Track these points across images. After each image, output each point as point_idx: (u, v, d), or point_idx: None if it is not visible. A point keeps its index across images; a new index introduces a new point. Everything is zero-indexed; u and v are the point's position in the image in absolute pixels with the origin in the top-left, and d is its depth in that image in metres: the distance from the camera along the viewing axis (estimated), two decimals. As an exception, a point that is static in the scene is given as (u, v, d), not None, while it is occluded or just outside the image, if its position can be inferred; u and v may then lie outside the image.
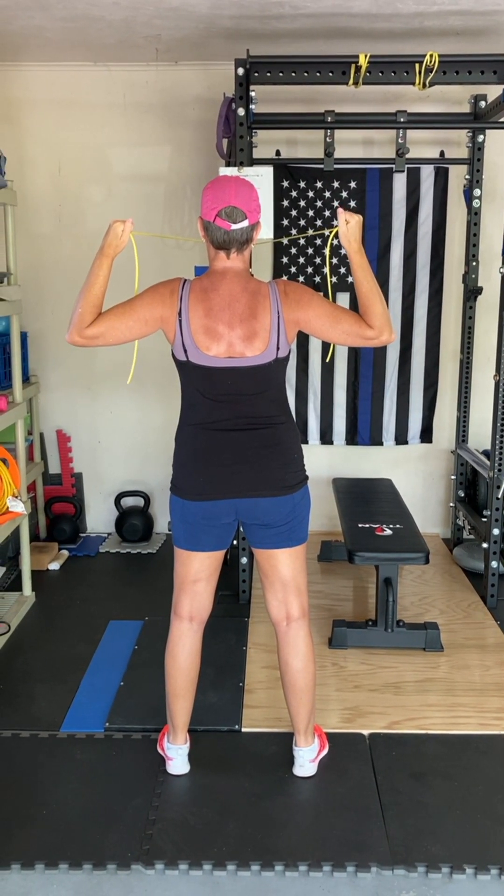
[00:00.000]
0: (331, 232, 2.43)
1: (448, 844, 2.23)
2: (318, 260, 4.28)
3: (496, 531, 3.65)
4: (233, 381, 2.26)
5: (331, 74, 3.42)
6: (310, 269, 4.29)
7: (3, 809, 2.38)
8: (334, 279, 4.27)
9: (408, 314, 4.37)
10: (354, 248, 2.31)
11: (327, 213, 4.23)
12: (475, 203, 4.01)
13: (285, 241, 4.23)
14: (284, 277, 4.29)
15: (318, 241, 4.26)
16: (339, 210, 2.35)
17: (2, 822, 2.32)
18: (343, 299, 4.31)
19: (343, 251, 2.43)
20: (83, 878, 2.14)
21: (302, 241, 4.26)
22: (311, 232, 4.21)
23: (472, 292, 4.13)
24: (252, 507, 2.34)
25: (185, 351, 2.25)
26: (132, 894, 2.10)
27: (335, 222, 4.24)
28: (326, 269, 3.02)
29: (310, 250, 4.28)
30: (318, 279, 4.29)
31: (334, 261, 4.21)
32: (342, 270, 4.24)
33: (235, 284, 2.26)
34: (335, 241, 2.41)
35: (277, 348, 2.26)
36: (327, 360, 4.32)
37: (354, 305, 4.36)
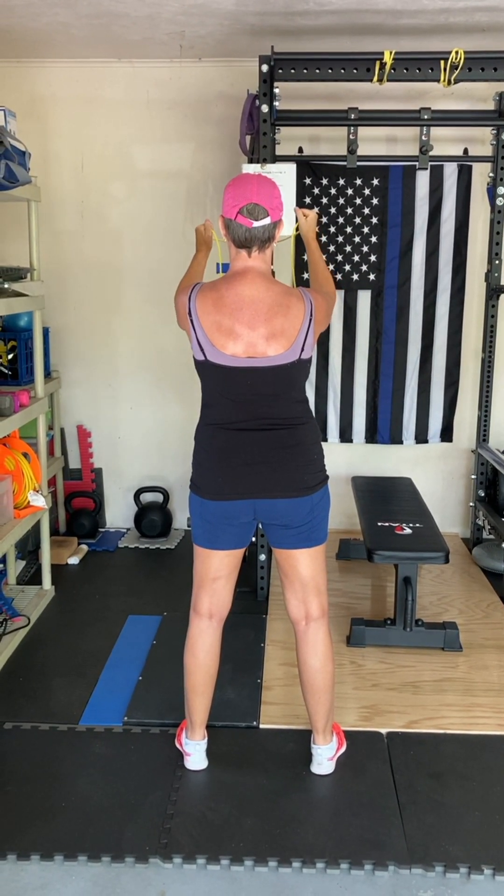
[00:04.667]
0: (294, 232, 2.87)
1: (466, 844, 2.23)
2: (339, 257, 4.27)
3: (516, 531, 3.62)
4: (252, 382, 2.25)
5: (355, 71, 3.42)
6: (331, 266, 4.28)
7: (23, 801, 2.40)
8: (356, 277, 4.27)
9: (429, 312, 4.35)
10: (312, 237, 2.72)
11: (349, 211, 4.22)
12: (499, 201, 3.98)
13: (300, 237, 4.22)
14: (305, 275, 4.28)
15: (340, 238, 4.25)
16: (296, 208, 2.79)
17: (22, 814, 2.35)
18: (364, 297, 4.31)
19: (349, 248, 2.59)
20: (102, 871, 2.16)
21: (323, 238, 4.24)
22: (332, 231, 4.19)
23: (494, 291, 4.10)
24: (271, 508, 2.34)
25: (203, 350, 2.25)
26: (150, 887, 2.11)
27: (354, 220, 4.23)
28: (291, 255, 3.19)
29: (331, 247, 4.27)
30: (339, 276, 4.28)
31: (339, 257, 4.23)
32: (363, 268, 4.23)
33: (259, 284, 2.25)
34: (297, 233, 2.85)
35: (302, 349, 2.25)
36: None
37: (373, 303, 4.37)
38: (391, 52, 3.34)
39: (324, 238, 4.25)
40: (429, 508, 3.80)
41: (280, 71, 3.43)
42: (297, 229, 2.80)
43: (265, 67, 3.42)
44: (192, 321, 2.25)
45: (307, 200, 4.20)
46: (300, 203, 4.13)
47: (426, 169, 3.81)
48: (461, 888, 2.11)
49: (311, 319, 2.26)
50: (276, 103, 3.47)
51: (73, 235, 4.43)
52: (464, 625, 3.46)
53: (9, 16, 3.48)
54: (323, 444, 2.48)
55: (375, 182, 4.20)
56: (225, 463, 2.32)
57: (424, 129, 3.67)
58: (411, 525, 3.48)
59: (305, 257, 4.26)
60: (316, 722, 2.51)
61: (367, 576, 4.04)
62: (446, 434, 4.51)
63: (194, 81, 4.22)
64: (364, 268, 4.27)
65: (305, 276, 4.28)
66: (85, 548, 4.42)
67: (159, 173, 4.35)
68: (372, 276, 4.30)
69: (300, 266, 4.31)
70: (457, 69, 3.35)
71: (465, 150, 4.04)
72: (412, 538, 3.35)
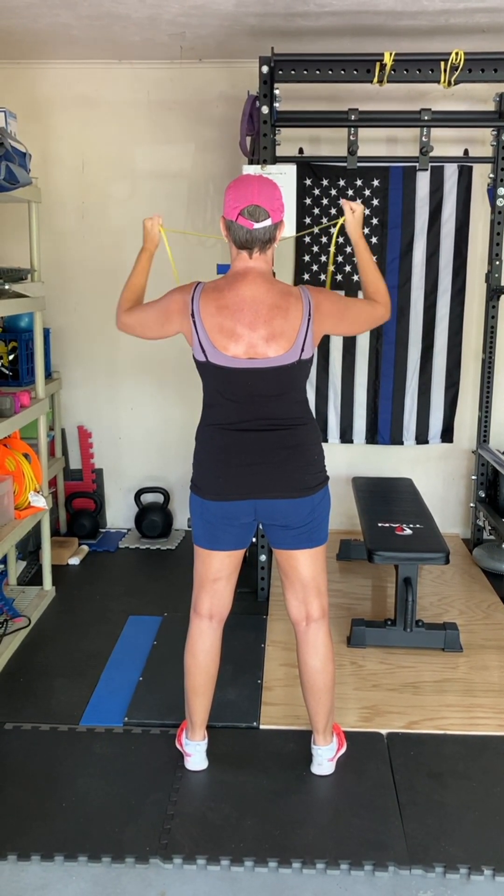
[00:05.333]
0: (336, 224, 2.60)
1: (466, 845, 2.23)
2: (339, 258, 4.27)
3: (517, 532, 3.63)
4: (253, 382, 2.25)
5: (355, 72, 3.42)
6: (331, 267, 4.27)
7: (24, 802, 2.40)
8: (339, 277, 4.27)
9: (430, 313, 4.35)
10: (359, 234, 2.52)
11: (350, 212, 4.22)
12: (499, 202, 3.98)
13: (307, 238, 4.23)
14: (306, 276, 4.28)
15: (341, 239, 4.24)
16: (343, 201, 2.55)
17: (22, 815, 2.35)
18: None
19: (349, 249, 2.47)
20: (102, 871, 2.16)
21: (324, 239, 4.25)
22: (316, 229, 4.18)
23: (495, 292, 4.10)
24: (271, 509, 2.34)
25: (204, 351, 2.25)
26: (150, 888, 2.11)
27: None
28: (331, 249, 2.99)
29: (332, 248, 4.26)
30: (339, 277, 4.29)
31: (339, 259, 4.21)
32: (356, 278, 4.22)
33: (259, 285, 2.26)
34: (340, 239, 2.53)
35: (302, 350, 2.25)
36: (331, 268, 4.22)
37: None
38: (391, 54, 3.34)
39: (324, 239, 4.25)
40: (429, 509, 3.80)
41: (280, 72, 3.44)
42: (342, 225, 2.58)
43: (265, 68, 3.42)
44: (194, 322, 2.25)
45: (307, 201, 4.21)
46: (300, 204, 4.13)
47: (426, 170, 3.82)
48: (461, 889, 2.11)
49: (309, 319, 2.26)
50: (276, 104, 3.47)
51: (73, 236, 4.43)
52: (464, 625, 3.46)
53: (9, 17, 3.48)
54: (323, 444, 2.48)
55: (376, 183, 4.20)
56: (226, 463, 2.33)
57: (424, 130, 3.67)
58: (412, 526, 3.48)
59: (306, 258, 4.31)
60: (316, 722, 2.51)
61: (368, 576, 4.04)
62: (447, 435, 4.51)
63: (195, 82, 4.23)
64: (348, 268, 4.26)
65: (306, 276, 4.29)
66: (85, 548, 4.42)
67: (160, 174, 4.35)
68: (356, 277, 4.30)
69: (300, 267, 4.32)
70: (457, 70, 3.35)
71: (466, 151, 4.04)
72: (412, 539, 3.35)
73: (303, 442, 2.33)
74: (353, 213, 2.53)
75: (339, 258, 4.27)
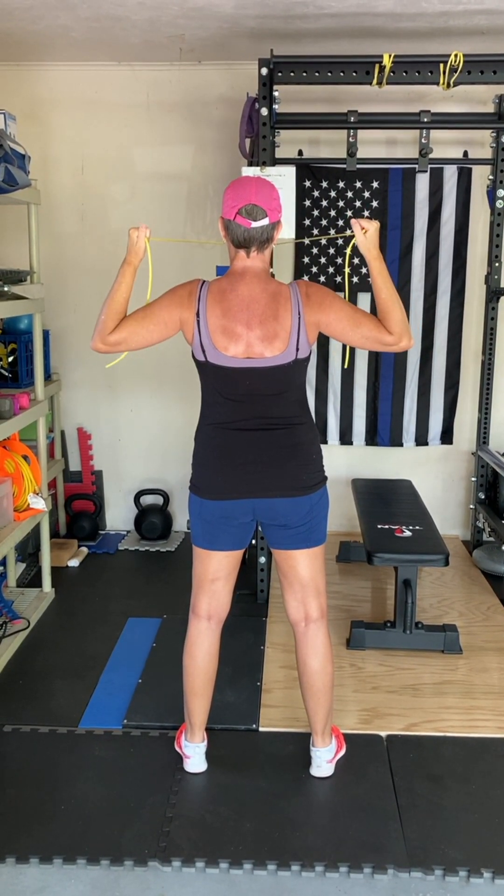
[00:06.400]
0: (343, 237, 2.42)
1: (465, 847, 2.22)
2: (339, 260, 4.27)
3: (517, 534, 3.62)
4: (251, 382, 2.26)
5: (354, 74, 3.43)
6: (331, 269, 4.28)
7: (22, 804, 2.40)
8: (356, 279, 4.26)
9: (429, 314, 4.35)
10: (374, 255, 2.31)
11: (349, 213, 4.22)
12: (498, 203, 3.98)
13: (307, 241, 4.23)
14: (305, 277, 4.28)
15: (340, 241, 4.25)
16: (353, 221, 2.32)
17: (21, 817, 2.34)
18: (364, 299, 4.30)
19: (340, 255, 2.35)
20: (100, 874, 2.16)
21: (323, 241, 4.25)
22: (332, 233, 4.20)
23: (494, 293, 4.10)
24: (270, 508, 2.34)
25: (204, 351, 2.26)
26: (149, 891, 2.11)
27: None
28: (346, 270, 2.81)
29: (331, 250, 4.27)
30: (339, 279, 4.28)
31: (355, 260, 4.20)
32: (363, 271, 4.23)
33: (255, 285, 2.26)
34: (355, 259, 2.37)
35: (297, 349, 2.25)
36: (346, 366, 4.31)
37: (373, 305, 4.36)
38: (390, 56, 3.34)
39: (323, 241, 4.25)
40: (429, 511, 3.80)
41: (279, 74, 3.44)
42: (353, 243, 2.38)
43: (265, 70, 3.42)
44: (198, 322, 2.25)
45: (307, 203, 4.21)
46: (299, 206, 4.13)
47: (426, 171, 3.82)
48: (460, 892, 2.11)
49: (299, 318, 2.26)
50: (275, 106, 3.47)
51: (73, 238, 4.43)
52: (464, 627, 3.45)
53: (9, 19, 3.48)
54: (323, 446, 2.48)
55: (375, 185, 4.20)
56: (224, 462, 2.33)
57: (424, 131, 3.67)
58: (411, 527, 3.47)
59: (306, 259, 4.31)
60: (315, 724, 2.50)
61: (367, 578, 4.04)
62: (446, 436, 4.51)
63: (194, 84, 4.23)
64: (364, 270, 4.26)
65: (305, 278, 4.29)
66: (85, 550, 4.42)
67: (159, 176, 4.35)
68: (372, 279, 4.30)
69: (300, 269, 4.32)
70: (456, 72, 3.35)
71: (465, 153, 4.04)
72: (412, 540, 3.34)
73: (301, 441, 2.33)
74: (366, 233, 2.29)
75: (339, 260, 4.27)
